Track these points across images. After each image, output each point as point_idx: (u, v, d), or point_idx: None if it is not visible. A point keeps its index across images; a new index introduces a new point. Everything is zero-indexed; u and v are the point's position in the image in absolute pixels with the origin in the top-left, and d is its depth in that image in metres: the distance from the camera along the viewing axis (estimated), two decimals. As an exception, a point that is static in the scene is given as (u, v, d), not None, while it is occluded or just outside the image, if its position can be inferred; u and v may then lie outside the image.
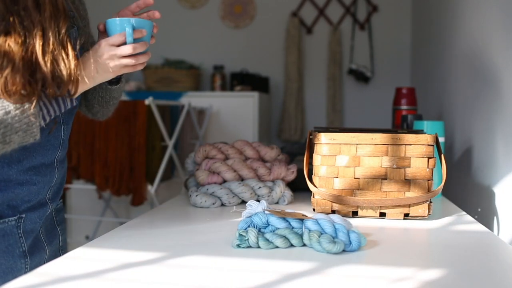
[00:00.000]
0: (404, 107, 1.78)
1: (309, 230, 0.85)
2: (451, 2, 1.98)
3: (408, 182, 1.06)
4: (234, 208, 1.12)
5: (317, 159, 1.09)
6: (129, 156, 2.20)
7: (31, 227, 0.99)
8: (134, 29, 0.93)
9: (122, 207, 2.99)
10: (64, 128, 1.03)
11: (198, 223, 1.03)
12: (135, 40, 0.93)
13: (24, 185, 0.96)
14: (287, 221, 0.88)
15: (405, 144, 1.06)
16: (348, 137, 1.07)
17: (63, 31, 0.86)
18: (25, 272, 0.97)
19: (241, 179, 1.26)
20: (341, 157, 1.08)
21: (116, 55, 0.92)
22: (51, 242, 1.08)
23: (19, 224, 0.97)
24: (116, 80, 1.08)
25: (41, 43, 0.83)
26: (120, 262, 0.75)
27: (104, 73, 0.94)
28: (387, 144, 1.06)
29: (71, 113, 1.05)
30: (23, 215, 0.97)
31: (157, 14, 1.02)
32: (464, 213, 1.16)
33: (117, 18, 0.94)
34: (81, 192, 2.78)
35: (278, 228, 0.87)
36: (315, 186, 1.09)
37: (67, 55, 0.87)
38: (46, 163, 1.00)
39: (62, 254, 1.10)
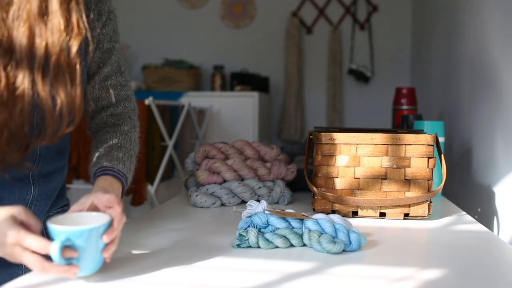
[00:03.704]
0: (404, 107, 1.78)
1: (309, 230, 0.85)
2: (451, 2, 1.98)
3: (408, 182, 1.06)
4: (234, 208, 1.12)
5: (317, 159, 1.09)
6: (129, 156, 2.19)
7: None
8: (65, 246, 0.65)
9: (122, 207, 2.98)
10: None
11: (198, 223, 1.03)
12: (67, 260, 0.66)
13: None
14: (287, 221, 0.88)
15: (405, 144, 1.06)
16: (348, 137, 1.07)
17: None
18: None
19: (241, 179, 1.26)
20: (341, 157, 1.08)
21: (21, 254, 0.66)
22: None
23: None
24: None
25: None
26: (119, 262, 0.75)
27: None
28: (387, 144, 1.06)
29: None
30: None
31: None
32: (464, 213, 1.16)
33: (51, 225, 0.67)
34: (81, 192, 2.78)
35: (278, 228, 0.87)
36: (315, 186, 1.09)
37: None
38: (15, 178, 0.89)
39: None
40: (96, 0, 0.93)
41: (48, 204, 0.97)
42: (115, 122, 0.99)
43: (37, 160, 0.91)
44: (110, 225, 0.69)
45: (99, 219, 0.70)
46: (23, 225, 0.68)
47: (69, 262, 0.66)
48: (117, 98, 1.00)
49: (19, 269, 0.93)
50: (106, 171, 0.89)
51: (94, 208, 0.75)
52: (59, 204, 1.03)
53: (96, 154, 0.93)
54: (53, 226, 0.66)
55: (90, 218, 0.71)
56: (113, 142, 0.95)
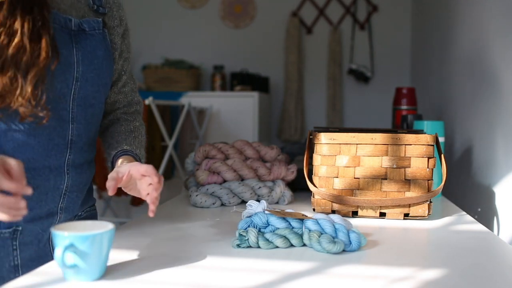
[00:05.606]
0: (404, 107, 1.78)
1: (309, 230, 0.85)
2: (450, 2, 1.98)
3: (408, 182, 1.06)
4: (234, 208, 1.12)
5: (317, 159, 1.09)
6: (129, 156, 2.19)
7: (31, 239, 0.91)
8: (69, 251, 0.66)
9: (122, 207, 2.99)
10: (74, 127, 0.92)
11: (198, 223, 1.03)
12: (71, 265, 0.67)
13: None
14: (287, 221, 0.88)
15: (405, 144, 1.06)
16: (348, 137, 1.07)
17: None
18: None
19: (241, 179, 1.26)
20: (341, 157, 1.08)
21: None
22: None
23: (15, 236, 0.89)
24: None
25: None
26: (120, 262, 0.75)
27: None
28: (387, 144, 1.06)
29: (85, 111, 0.93)
30: (20, 228, 0.89)
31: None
32: (464, 213, 1.16)
33: (56, 230, 0.67)
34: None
35: (278, 228, 0.87)
36: (315, 186, 1.09)
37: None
38: (51, 166, 0.90)
39: None
40: (117, 7, 1.02)
41: (79, 197, 0.99)
42: (127, 118, 1.10)
43: (69, 145, 0.92)
44: (113, 232, 0.70)
45: (102, 227, 0.71)
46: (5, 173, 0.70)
47: (73, 267, 0.66)
48: (131, 102, 1.11)
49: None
50: (127, 152, 0.98)
51: (129, 178, 0.85)
52: (89, 202, 1.08)
53: (113, 141, 1.02)
54: (58, 232, 0.66)
55: (94, 227, 0.72)
56: (128, 132, 1.05)
